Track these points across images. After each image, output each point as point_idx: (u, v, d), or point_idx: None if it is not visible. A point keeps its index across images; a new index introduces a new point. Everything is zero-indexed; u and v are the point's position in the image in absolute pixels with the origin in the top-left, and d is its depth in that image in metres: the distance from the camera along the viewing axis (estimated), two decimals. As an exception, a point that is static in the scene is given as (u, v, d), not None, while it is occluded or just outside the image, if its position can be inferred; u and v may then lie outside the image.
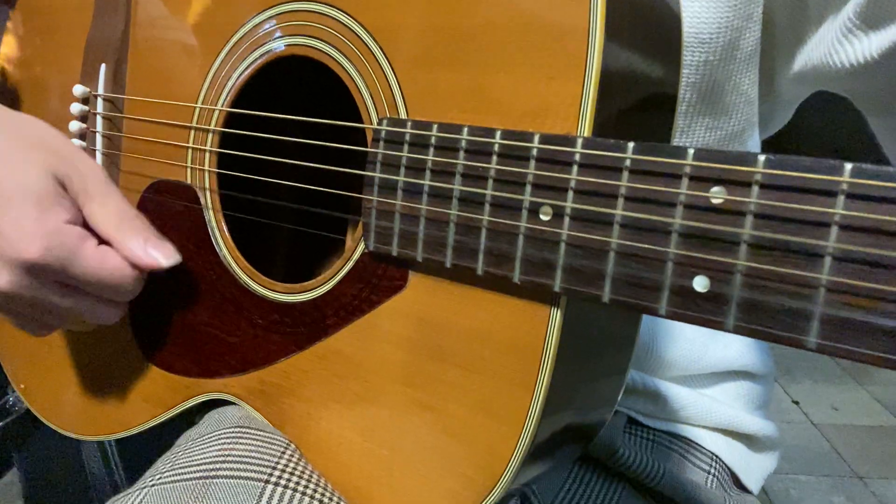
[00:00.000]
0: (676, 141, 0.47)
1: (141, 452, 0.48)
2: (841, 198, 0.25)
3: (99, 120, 0.53)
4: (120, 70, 0.52)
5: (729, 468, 0.57)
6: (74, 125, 0.54)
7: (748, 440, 0.59)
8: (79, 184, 0.43)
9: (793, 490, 1.70)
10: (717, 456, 0.57)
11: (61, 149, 0.44)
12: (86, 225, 0.43)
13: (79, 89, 0.53)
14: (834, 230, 0.25)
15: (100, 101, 0.53)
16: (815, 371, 2.23)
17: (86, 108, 0.54)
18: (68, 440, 0.58)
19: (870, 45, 0.40)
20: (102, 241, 0.43)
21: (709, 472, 0.55)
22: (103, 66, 0.53)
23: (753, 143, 0.53)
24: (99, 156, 0.53)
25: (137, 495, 0.40)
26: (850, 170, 0.25)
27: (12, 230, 0.40)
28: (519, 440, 0.34)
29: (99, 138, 0.54)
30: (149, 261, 0.43)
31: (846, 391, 2.16)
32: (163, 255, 0.44)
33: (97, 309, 0.44)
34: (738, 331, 0.27)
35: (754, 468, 0.59)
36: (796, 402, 2.08)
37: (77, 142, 0.54)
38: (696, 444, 0.57)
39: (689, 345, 0.55)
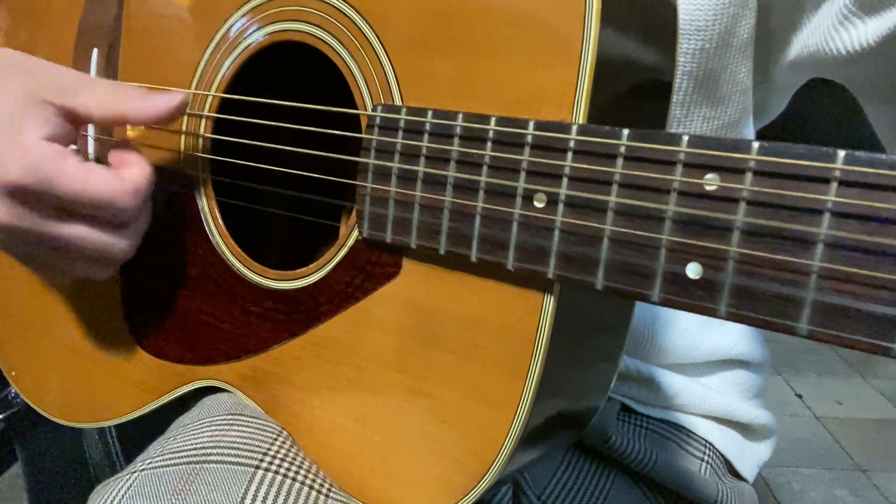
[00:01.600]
0: (673, 132, 0.47)
1: (143, 442, 0.48)
2: (834, 185, 0.25)
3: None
4: (112, 54, 0.52)
5: (723, 456, 0.57)
6: (66, 110, 0.54)
7: (743, 428, 0.59)
8: (57, 86, 0.41)
9: (795, 483, 1.70)
10: (710, 444, 0.57)
11: (30, 64, 0.42)
12: (74, 139, 0.42)
13: (71, 74, 0.53)
14: (826, 217, 0.25)
15: (92, 87, 0.53)
16: (819, 364, 2.23)
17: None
18: (70, 432, 0.58)
19: (866, 32, 0.40)
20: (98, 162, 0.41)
21: (702, 460, 0.56)
22: (95, 50, 0.53)
23: (748, 133, 0.53)
24: (91, 141, 0.53)
25: (127, 479, 0.40)
26: (843, 157, 0.25)
27: None
28: (511, 427, 0.35)
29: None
30: (162, 106, 0.41)
31: (850, 385, 2.16)
32: (171, 96, 0.42)
33: (101, 237, 0.42)
34: (730, 317, 0.28)
35: (749, 456, 0.59)
36: (800, 396, 2.08)
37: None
38: (690, 431, 0.57)
39: (684, 333, 0.55)
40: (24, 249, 0.43)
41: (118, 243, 0.42)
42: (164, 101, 0.42)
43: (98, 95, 0.41)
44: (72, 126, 0.42)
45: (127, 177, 0.42)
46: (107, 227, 0.42)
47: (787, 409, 1.99)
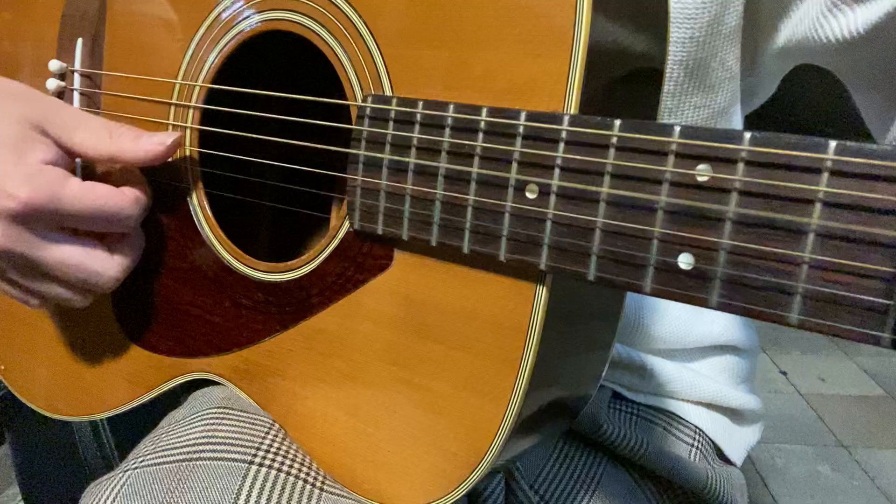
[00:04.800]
0: (665, 121, 0.47)
1: (132, 428, 0.48)
2: (825, 175, 0.25)
3: (76, 96, 0.52)
4: (97, 45, 0.51)
5: (712, 441, 0.58)
6: (51, 101, 0.53)
7: (732, 413, 0.60)
8: (56, 121, 0.42)
9: (778, 459, 1.72)
10: (700, 429, 0.57)
11: (31, 95, 0.43)
12: (70, 168, 0.43)
13: (55, 64, 0.52)
14: (818, 207, 0.25)
15: (76, 77, 0.52)
16: (802, 342, 2.26)
17: (62, 83, 0.52)
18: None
19: (855, 20, 0.40)
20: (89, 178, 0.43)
21: (692, 445, 0.56)
22: (80, 40, 0.52)
23: (737, 118, 0.53)
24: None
25: (120, 478, 0.39)
26: (835, 147, 0.25)
27: None
28: (504, 417, 0.35)
29: (77, 115, 0.52)
30: (154, 147, 0.43)
31: (833, 362, 2.19)
32: (163, 137, 0.43)
33: (91, 261, 0.43)
34: (721, 308, 0.28)
35: (737, 441, 0.60)
36: (784, 373, 2.11)
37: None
38: (680, 417, 0.57)
39: (675, 320, 0.55)
40: (12, 276, 0.43)
41: (107, 271, 0.44)
42: (156, 144, 0.43)
43: (93, 135, 0.43)
44: (69, 159, 0.43)
45: (127, 190, 0.43)
46: (100, 253, 0.43)
47: (772, 386, 2.01)
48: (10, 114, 0.41)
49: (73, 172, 0.43)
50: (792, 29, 0.44)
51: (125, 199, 0.42)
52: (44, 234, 0.41)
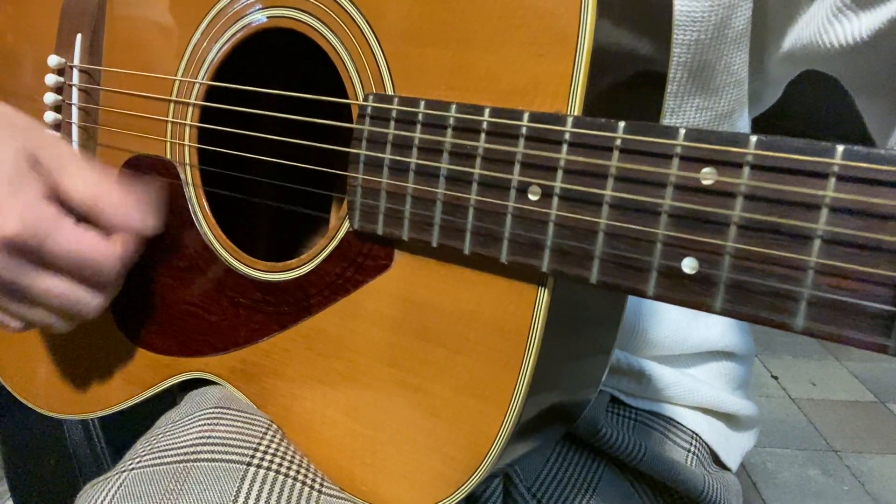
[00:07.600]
0: (666, 122, 0.47)
1: (123, 427, 0.48)
2: (832, 180, 0.25)
3: (75, 92, 0.52)
4: (97, 40, 0.51)
5: (709, 446, 0.58)
6: (49, 97, 0.53)
7: (728, 419, 0.60)
8: (53, 159, 0.42)
9: (769, 463, 1.73)
10: (697, 434, 0.57)
11: (31, 128, 0.43)
12: (63, 205, 0.42)
13: (54, 60, 0.52)
14: (824, 212, 0.25)
15: (75, 73, 0.52)
16: (794, 346, 2.27)
17: (61, 79, 0.52)
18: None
19: (860, 26, 0.40)
20: (81, 220, 0.42)
21: (689, 451, 0.56)
22: (79, 35, 0.51)
23: (743, 123, 0.53)
24: (75, 129, 0.52)
25: (117, 479, 0.39)
26: (842, 152, 0.25)
27: None
28: (504, 421, 0.34)
29: (75, 111, 0.52)
30: (127, 225, 0.42)
31: (825, 367, 2.20)
32: (144, 221, 0.43)
33: (76, 293, 0.43)
34: (725, 313, 0.27)
35: (733, 446, 0.60)
36: (775, 377, 2.11)
37: (52, 114, 0.53)
38: (678, 422, 0.57)
39: (673, 325, 0.55)
40: None
41: (92, 301, 0.44)
42: (137, 222, 0.43)
43: (85, 182, 0.42)
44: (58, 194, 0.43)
45: (118, 242, 0.43)
46: (84, 284, 0.43)
47: (763, 391, 2.02)
48: (7, 145, 0.41)
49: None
50: (798, 33, 0.45)
51: (108, 255, 0.42)
52: (31, 263, 0.41)
